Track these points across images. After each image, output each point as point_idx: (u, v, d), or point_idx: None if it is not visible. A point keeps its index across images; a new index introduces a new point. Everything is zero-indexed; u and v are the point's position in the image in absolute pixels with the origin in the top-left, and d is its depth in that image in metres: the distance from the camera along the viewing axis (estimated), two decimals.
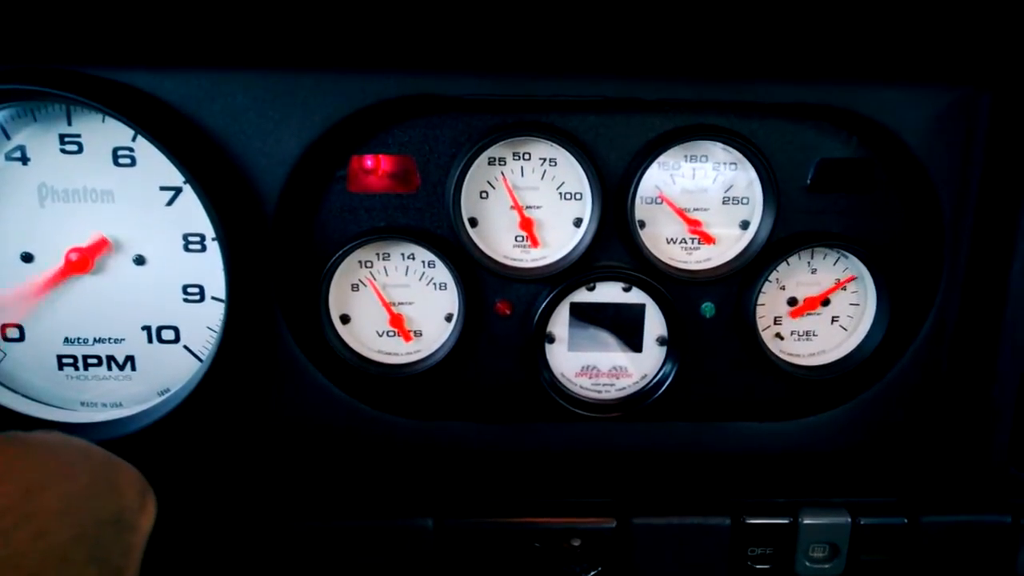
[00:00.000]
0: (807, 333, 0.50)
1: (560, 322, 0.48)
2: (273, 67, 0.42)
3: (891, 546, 0.46)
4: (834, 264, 0.49)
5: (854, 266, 0.49)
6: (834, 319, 0.50)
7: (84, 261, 0.44)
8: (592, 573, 0.42)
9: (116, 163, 0.44)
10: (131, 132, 0.43)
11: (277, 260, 0.44)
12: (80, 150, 0.44)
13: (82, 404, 0.48)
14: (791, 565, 0.46)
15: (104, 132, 0.43)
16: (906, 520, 0.46)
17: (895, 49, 0.44)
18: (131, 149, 0.44)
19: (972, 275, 0.46)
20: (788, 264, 0.49)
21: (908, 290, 0.49)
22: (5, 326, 0.46)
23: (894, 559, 0.47)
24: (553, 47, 0.44)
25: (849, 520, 0.46)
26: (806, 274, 0.49)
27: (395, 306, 0.48)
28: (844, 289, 0.50)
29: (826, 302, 0.50)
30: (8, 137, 0.44)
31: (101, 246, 0.44)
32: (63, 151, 0.44)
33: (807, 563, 0.46)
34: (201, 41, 0.39)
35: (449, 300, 0.48)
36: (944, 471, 0.48)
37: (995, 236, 0.44)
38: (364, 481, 0.48)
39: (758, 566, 0.45)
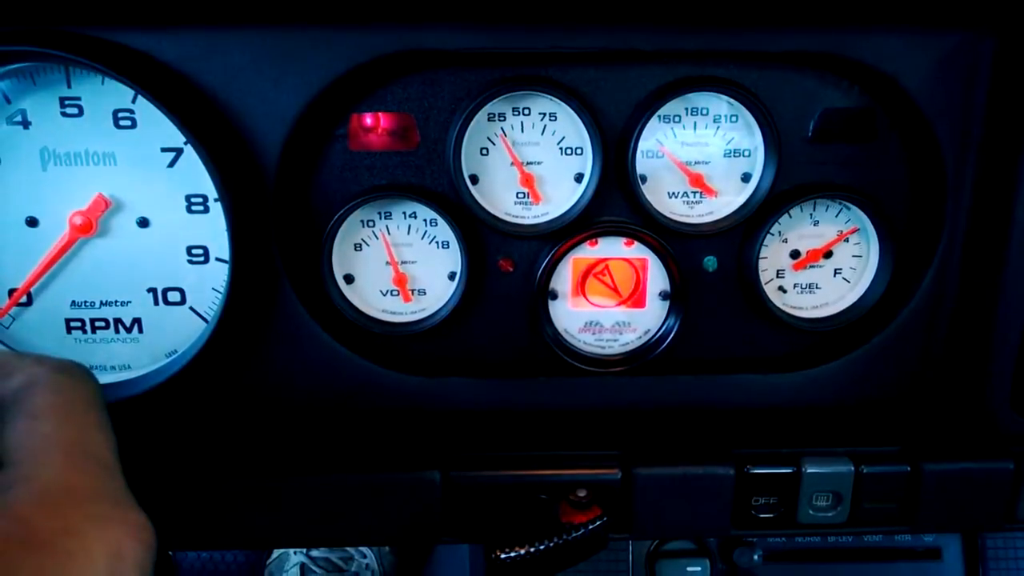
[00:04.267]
0: (810, 286, 0.50)
1: (563, 278, 0.49)
2: (269, 24, 0.42)
3: (894, 494, 0.47)
4: (836, 216, 0.49)
5: (857, 217, 0.49)
6: (837, 271, 0.50)
7: (88, 224, 0.45)
8: (598, 522, 0.42)
9: (117, 125, 0.44)
10: (131, 94, 0.43)
11: (280, 220, 0.45)
12: (80, 113, 0.44)
13: (91, 367, 0.49)
14: (794, 514, 0.47)
15: (104, 94, 0.43)
16: (908, 468, 0.47)
17: (895, 4, 0.44)
18: (131, 111, 0.44)
19: (975, 224, 0.46)
20: (790, 216, 0.49)
21: (911, 240, 0.49)
22: (13, 291, 0.46)
23: (897, 506, 0.47)
24: (556, 9, 0.44)
25: (852, 469, 0.47)
26: (808, 226, 0.49)
27: (400, 265, 0.48)
28: (847, 241, 0.50)
29: (829, 254, 0.50)
30: (9, 101, 0.44)
31: (101, 205, 0.44)
32: (64, 114, 0.44)
33: (810, 511, 0.47)
34: None
35: (452, 258, 0.48)
36: (947, 421, 0.49)
37: (997, 184, 0.44)
38: (370, 438, 0.48)
39: (762, 515, 0.46)
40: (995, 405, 0.45)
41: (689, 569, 0.56)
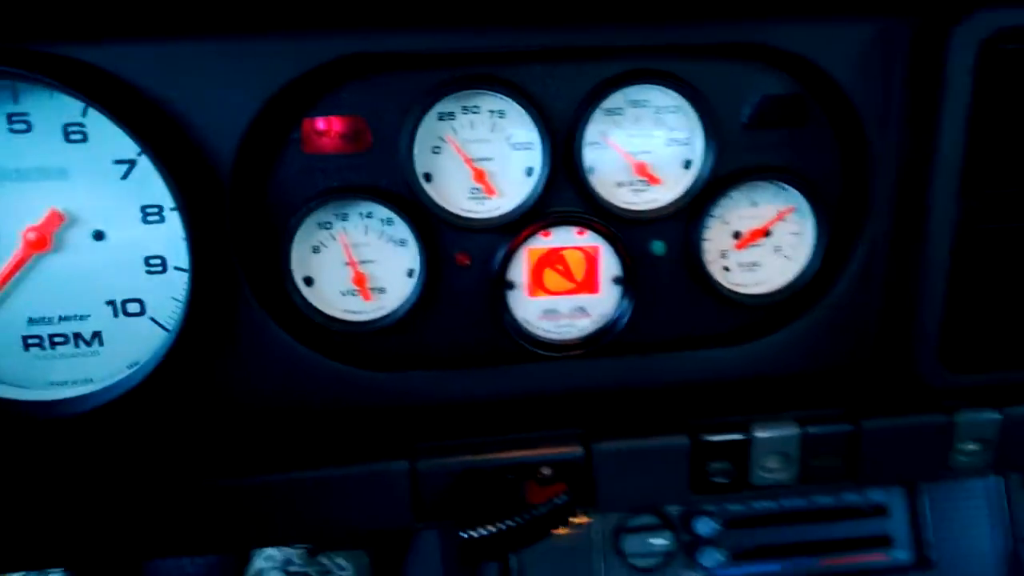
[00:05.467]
0: (752, 264, 0.53)
1: (519, 269, 0.50)
2: (218, 33, 0.42)
3: (838, 452, 0.50)
4: (774, 196, 0.52)
5: (792, 197, 0.52)
6: (776, 249, 0.53)
7: (42, 239, 0.44)
8: (563, 498, 0.44)
9: (67, 140, 0.44)
10: (81, 107, 0.43)
11: (237, 226, 0.45)
12: (29, 129, 0.44)
13: (51, 383, 0.49)
14: (747, 477, 0.50)
15: (53, 109, 0.43)
16: (850, 427, 0.50)
17: None
18: (82, 125, 0.44)
19: (900, 198, 0.50)
20: (731, 199, 0.51)
21: (843, 216, 0.52)
22: None
23: (842, 463, 0.50)
24: (502, 10, 0.45)
25: (798, 431, 0.50)
26: (748, 207, 0.52)
27: (359, 264, 0.49)
28: (784, 220, 0.53)
29: (768, 233, 0.53)
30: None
31: (55, 220, 0.44)
32: (12, 131, 0.44)
33: (762, 473, 0.50)
34: (144, 10, 0.40)
35: (409, 255, 0.49)
36: (885, 383, 0.52)
37: (917, 160, 0.48)
38: (338, 435, 0.49)
39: (717, 479, 0.49)
40: (925, 364, 0.49)
41: (653, 542, 0.58)
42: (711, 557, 0.58)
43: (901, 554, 0.62)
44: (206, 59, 0.42)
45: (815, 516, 0.61)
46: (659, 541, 0.58)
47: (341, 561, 1.03)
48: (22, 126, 0.44)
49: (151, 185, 0.45)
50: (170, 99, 0.42)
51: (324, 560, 1.02)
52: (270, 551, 1.02)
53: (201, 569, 1.06)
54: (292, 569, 1.01)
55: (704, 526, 0.58)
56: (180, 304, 0.47)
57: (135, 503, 0.46)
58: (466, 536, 0.42)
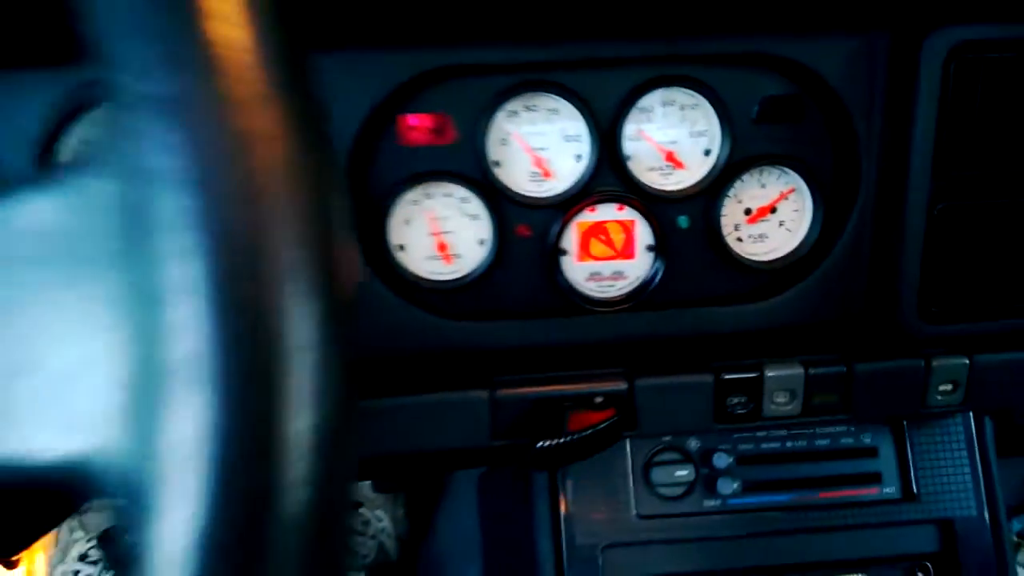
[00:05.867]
0: (761, 236, 0.64)
1: (570, 239, 0.61)
2: (340, 49, 0.53)
3: (835, 389, 0.61)
4: (778, 179, 0.62)
5: (794, 180, 0.62)
6: (781, 223, 0.63)
7: None
8: (612, 419, 0.55)
9: None
10: None
11: (352, 202, 0.56)
12: None
13: None
14: (760, 409, 0.60)
15: None
16: (844, 368, 0.61)
17: (813, 6, 0.58)
18: None
19: (883, 181, 0.60)
20: (743, 181, 0.62)
21: (836, 195, 0.62)
22: None
23: (838, 399, 0.61)
24: (552, 24, 0.56)
25: (802, 371, 0.60)
26: (757, 188, 0.62)
27: (442, 235, 0.60)
28: (787, 199, 0.63)
29: (774, 210, 0.63)
30: None
31: None
32: None
33: (772, 406, 0.60)
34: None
35: (481, 227, 0.60)
36: (874, 333, 0.63)
37: (897, 148, 0.58)
38: (425, 372, 0.60)
39: (737, 411, 0.59)
40: (906, 317, 0.59)
41: (677, 473, 0.69)
42: (727, 485, 0.68)
43: (889, 489, 0.72)
44: (333, 70, 0.53)
45: (815, 456, 0.71)
46: (682, 472, 0.69)
47: (379, 512, 1.14)
48: None
49: None
50: None
51: (365, 512, 1.13)
52: None
53: None
54: None
55: (721, 460, 0.69)
56: None
57: None
58: (541, 445, 0.53)
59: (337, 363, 0.19)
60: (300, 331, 0.17)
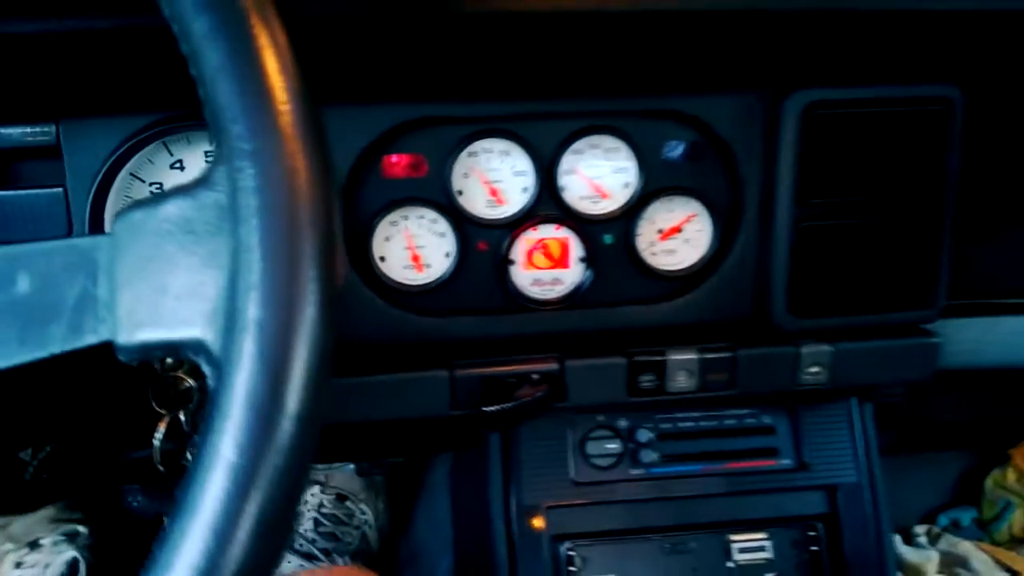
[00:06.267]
0: (671, 251, 0.78)
1: (518, 252, 0.77)
2: (339, 104, 0.70)
3: (724, 369, 0.76)
4: (684, 206, 0.78)
5: (696, 207, 0.77)
6: (687, 240, 0.79)
7: None
8: (544, 392, 0.71)
9: None
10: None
11: (344, 222, 0.72)
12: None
13: None
14: (664, 385, 0.76)
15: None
16: (731, 353, 0.76)
17: (709, 77, 0.75)
18: None
19: (763, 207, 0.76)
20: (655, 207, 0.76)
21: (729, 219, 0.78)
22: None
23: (727, 377, 0.76)
24: (508, 88, 0.72)
25: (698, 356, 0.76)
26: (667, 213, 0.77)
27: (415, 249, 0.76)
28: (691, 221, 0.79)
29: (681, 230, 0.79)
30: (171, 153, 0.71)
31: None
32: (206, 161, 0.71)
33: (673, 383, 0.76)
34: None
35: (447, 243, 0.75)
36: (756, 329, 0.79)
37: (769, 183, 0.74)
38: (399, 358, 0.76)
39: (644, 386, 0.75)
40: (779, 314, 0.75)
41: (607, 446, 0.84)
42: (648, 455, 0.83)
43: (785, 460, 0.87)
44: (335, 119, 0.69)
45: (723, 433, 0.86)
46: (612, 446, 0.84)
47: (363, 507, 1.28)
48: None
49: None
50: None
51: (350, 505, 1.27)
52: (307, 496, 1.26)
53: None
54: (324, 511, 1.26)
55: (643, 435, 0.84)
56: None
57: None
58: (488, 409, 0.68)
59: (327, 305, 0.34)
60: (312, 284, 0.33)
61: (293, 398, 0.31)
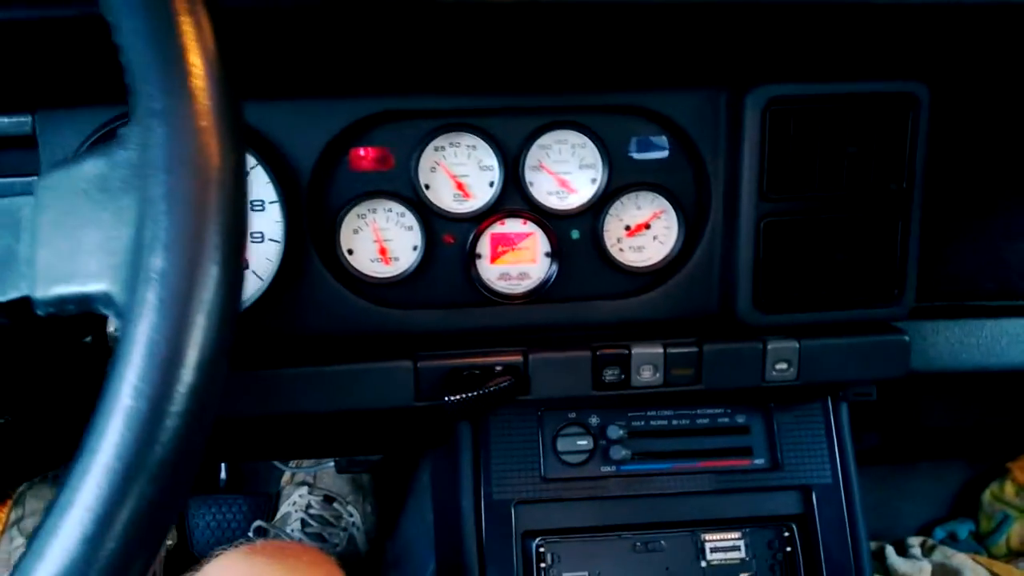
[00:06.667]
0: (639, 247, 0.79)
1: (484, 246, 0.78)
2: (303, 98, 0.71)
3: (689, 364, 0.76)
4: (651, 203, 0.79)
5: (662, 203, 0.78)
6: (655, 237, 0.80)
7: None
8: (508, 382, 0.71)
9: None
10: None
11: (310, 215, 0.73)
12: None
13: None
14: (629, 379, 0.76)
15: None
16: (696, 348, 0.76)
17: (674, 72, 0.75)
18: None
19: (727, 203, 0.76)
20: (622, 203, 0.77)
21: (695, 215, 0.79)
22: None
23: (693, 372, 0.76)
24: (474, 83, 0.74)
25: (662, 350, 0.76)
26: (634, 209, 0.78)
27: (383, 242, 0.77)
28: (658, 218, 0.79)
29: (648, 226, 0.79)
30: None
31: None
32: None
33: (639, 377, 0.76)
34: (272, 86, 0.69)
35: (414, 236, 0.76)
36: (722, 325, 0.78)
37: (733, 179, 0.74)
38: (365, 349, 0.76)
39: (609, 379, 0.75)
40: (744, 309, 0.75)
41: (578, 443, 0.84)
42: (619, 452, 0.83)
43: (760, 460, 0.87)
44: (298, 114, 0.70)
45: (696, 432, 0.86)
46: (582, 443, 0.84)
47: (351, 509, 1.28)
48: None
49: (256, 190, 0.73)
50: (280, 140, 0.71)
51: (338, 507, 1.27)
52: (295, 497, 1.27)
53: (238, 514, 1.31)
54: (312, 512, 1.26)
55: (614, 432, 0.84)
56: (272, 263, 0.74)
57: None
58: (450, 400, 0.69)
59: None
60: (216, 238, 0.33)
61: (193, 347, 0.32)
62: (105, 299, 0.34)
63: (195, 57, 0.34)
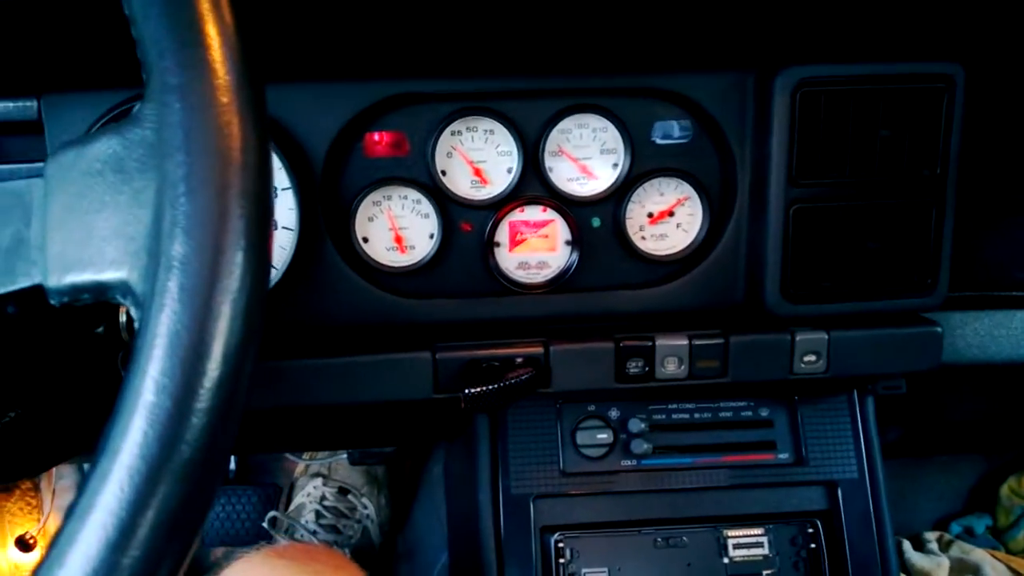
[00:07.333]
0: (662, 235, 0.77)
1: (503, 234, 0.76)
2: (317, 80, 0.69)
3: (715, 356, 0.74)
4: (675, 189, 0.77)
5: (686, 189, 0.76)
6: (678, 225, 0.77)
7: None
8: (528, 375, 0.69)
9: None
10: None
11: (324, 202, 0.71)
12: None
13: None
14: (653, 371, 0.73)
15: None
16: (722, 340, 0.74)
17: (698, 53, 0.73)
18: None
19: (754, 190, 0.74)
20: (644, 190, 0.75)
21: (720, 202, 0.76)
22: None
23: (719, 365, 0.74)
24: (492, 65, 0.71)
25: (687, 342, 0.74)
26: (657, 196, 0.76)
27: (398, 230, 0.75)
28: (683, 205, 0.77)
29: (672, 214, 0.77)
30: None
31: None
32: None
33: (663, 369, 0.73)
34: (288, 67, 0.66)
35: (431, 224, 0.74)
36: (748, 315, 0.76)
37: (761, 164, 0.72)
38: (382, 340, 0.74)
39: (632, 372, 0.73)
40: (772, 298, 0.73)
41: (598, 436, 0.82)
42: (640, 446, 0.81)
43: (783, 455, 0.85)
44: (312, 98, 0.68)
45: (718, 425, 0.84)
46: (603, 436, 0.82)
47: (365, 501, 1.26)
48: None
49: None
50: (293, 124, 0.68)
51: (352, 499, 1.26)
52: (309, 488, 1.25)
53: (247, 506, 1.29)
54: (326, 504, 1.25)
55: (635, 425, 0.82)
56: (286, 251, 0.72)
57: None
58: (469, 392, 0.66)
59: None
60: (240, 221, 0.31)
61: (218, 338, 0.29)
62: (123, 288, 0.32)
63: (212, 29, 0.32)
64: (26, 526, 1.40)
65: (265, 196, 0.31)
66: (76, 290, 0.33)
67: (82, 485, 0.29)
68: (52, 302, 0.34)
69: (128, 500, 0.28)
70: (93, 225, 0.32)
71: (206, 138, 0.30)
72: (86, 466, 1.31)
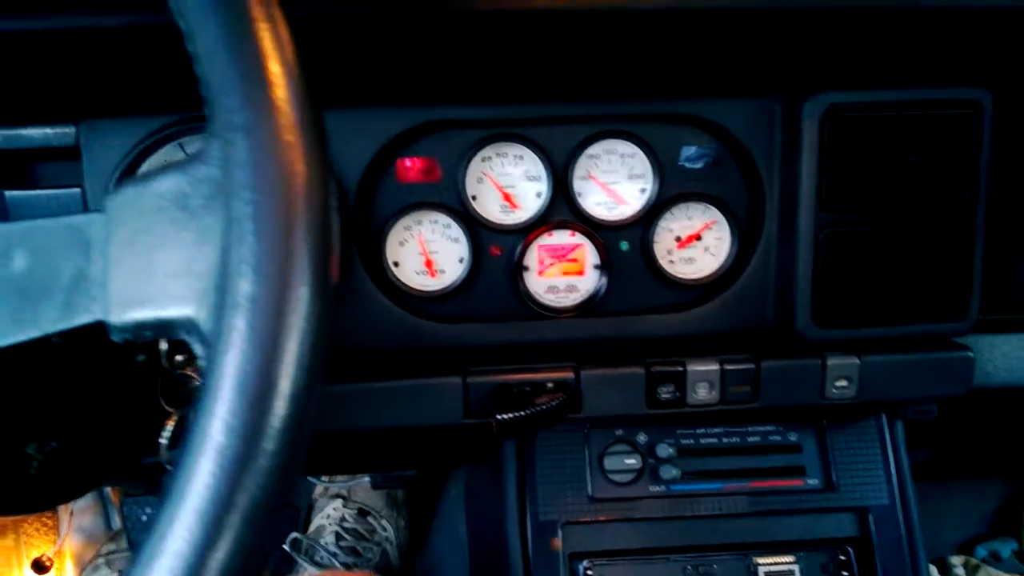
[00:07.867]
0: (690, 259, 0.77)
1: (532, 258, 0.76)
2: (351, 107, 0.70)
3: (746, 381, 0.73)
4: (702, 213, 0.77)
5: (714, 214, 0.76)
6: (706, 249, 0.77)
7: None
8: (558, 400, 0.69)
9: None
10: None
11: (356, 227, 0.72)
12: None
13: None
14: (685, 398, 0.73)
15: None
16: (753, 365, 0.74)
17: (727, 80, 0.73)
18: None
19: (783, 214, 0.74)
20: (672, 214, 0.76)
21: (749, 227, 0.76)
22: None
23: (750, 390, 0.74)
24: (522, 92, 0.72)
25: (719, 367, 0.73)
26: (685, 220, 0.76)
27: (428, 254, 0.75)
28: (711, 229, 0.77)
29: (700, 238, 0.77)
30: (186, 154, 0.71)
31: None
32: None
33: (695, 395, 0.73)
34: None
35: (461, 248, 0.74)
36: (778, 339, 0.76)
37: (790, 188, 0.72)
38: (411, 365, 0.74)
39: (663, 397, 0.72)
40: (802, 323, 0.73)
41: (626, 461, 0.82)
42: (668, 472, 0.81)
43: (813, 480, 0.84)
44: (346, 124, 0.68)
45: (747, 451, 0.83)
46: (631, 461, 0.82)
47: (385, 523, 1.26)
48: None
49: None
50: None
51: (372, 521, 1.25)
52: (329, 509, 1.25)
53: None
54: (346, 525, 1.24)
55: (663, 450, 0.81)
56: None
57: None
58: (501, 417, 0.66)
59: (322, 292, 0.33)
60: (306, 258, 0.32)
61: (286, 377, 0.30)
62: (188, 325, 0.32)
63: (276, 67, 0.32)
64: (42, 548, 1.39)
65: (328, 232, 0.31)
66: (139, 327, 0.33)
67: (150, 528, 0.29)
68: (114, 339, 0.34)
69: (197, 543, 0.28)
70: (156, 262, 0.33)
71: (272, 176, 0.31)
72: (107, 490, 1.32)
